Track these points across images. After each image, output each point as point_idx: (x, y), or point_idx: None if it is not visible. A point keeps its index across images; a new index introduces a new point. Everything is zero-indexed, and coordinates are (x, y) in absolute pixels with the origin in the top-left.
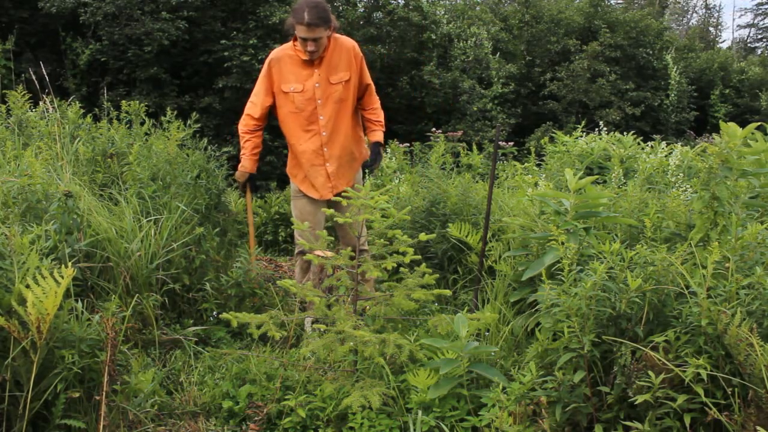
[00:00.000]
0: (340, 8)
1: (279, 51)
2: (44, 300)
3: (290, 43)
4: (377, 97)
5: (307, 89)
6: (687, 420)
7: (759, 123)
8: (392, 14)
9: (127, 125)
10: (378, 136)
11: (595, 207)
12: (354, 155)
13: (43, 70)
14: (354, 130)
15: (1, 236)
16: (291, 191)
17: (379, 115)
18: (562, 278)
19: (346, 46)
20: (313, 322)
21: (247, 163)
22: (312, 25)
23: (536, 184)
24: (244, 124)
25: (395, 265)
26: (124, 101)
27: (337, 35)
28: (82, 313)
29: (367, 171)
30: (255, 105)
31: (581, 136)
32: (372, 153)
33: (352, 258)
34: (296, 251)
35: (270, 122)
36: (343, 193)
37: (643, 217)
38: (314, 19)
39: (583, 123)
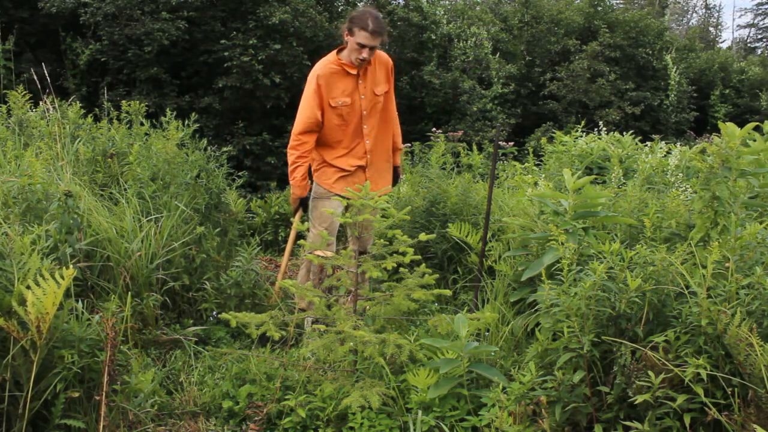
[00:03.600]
0: (340, 8)
1: (323, 67)
2: (44, 300)
3: (332, 57)
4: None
5: (354, 101)
6: (687, 420)
7: (756, 123)
8: (392, 14)
9: (127, 125)
10: (398, 159)
11: (593, 207)
12: (389, 162)
13: (44, 71)
14: (390, 138)
15: (2, 236)
16: (314, 193)
17: (398, 134)
18: (562, 278)
19: (385, 60)
20: (313, 322)
21: (298, 191)
22: (375, 33)
23: (536, 184)
24: (300, 146)
25: (395, 265)
26: (124, 101)
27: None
28: (82, 313)
29: None
30: (310, 121)
31: (581, 136)
32: (393, 175)
33: (353, 258)
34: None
35: (271, 122)
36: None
37: (642, 217)
38: (378, 28)
39: (583, 123)
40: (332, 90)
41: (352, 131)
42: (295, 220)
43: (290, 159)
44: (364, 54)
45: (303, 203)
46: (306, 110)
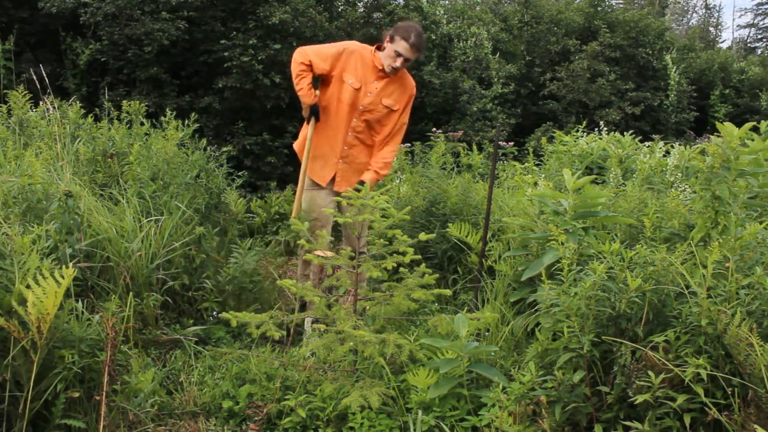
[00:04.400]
0: (340, 8)
1: (358, 46)
2: (44, 300)
3: (372, 48)
4: (397, 146)
5: (362, 90)
6: (687, 420)
7: (754, 123)
8: (392, 14)
9: (127, 125)
10: (367, 176)
11: (593, 207)
12: (365, 168)
13: (42, 71)
14: (371, 153)
15: (2, 236)
16: (300, 183)
17: (385, 160)
18: (562, 278)
19: (409, 84)
20: (313, 322)
21: (308, 99)
22: (415, 48)
23: (536, 184)
24: (298, 63)
25: (395, 265)
26: (124, 101)
27: (405, 70)
28: (83, 313)
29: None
30: (311, 60)
31: (581, 136)
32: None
33: (351, 258)
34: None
35: (271, 122)
36: (343, 193)
37: (642, 217)
38: (419, 44)
39: (584, 123)
40: (350, 66)
41: (346, 115)
42: (309, 130)
43: (293, 75)
44: (398, 63)
45: (314, 111)
46: (317, 52)
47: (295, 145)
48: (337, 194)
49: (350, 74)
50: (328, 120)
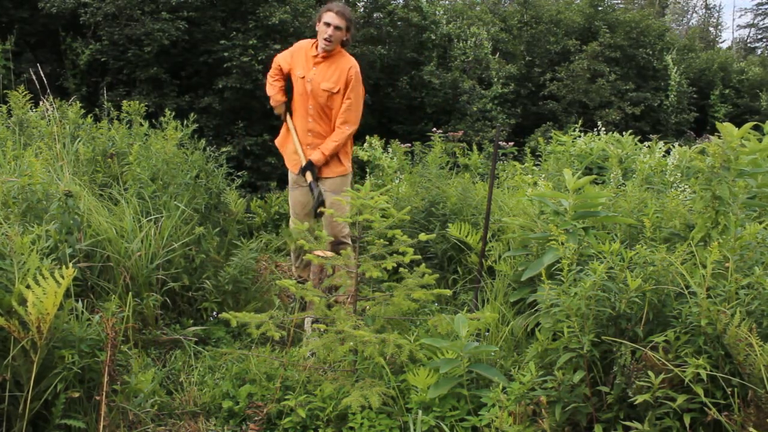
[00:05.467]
0: None
1: (304, 42)
2: (44, 300)
3: (311, 40)
4: (354, 115)
5: (305, 78)
6: (687, 420)
7: (755, 123)
8: (392, 14)
9: (127, 125)
10: (314, 156)
11: (593, 207)
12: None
13: (41, 72)
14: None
15: (2, 236)
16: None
17: (333, 140)
18: (562, 278)
19: (347, 63)
20: (313, 322)
21: (278, 97)
22: (340, 14)
23: (535, 184)
24: (270, 70)
25: (395, 265)
26: (124, 101)
27: (344, 52)
28: (82, 313)
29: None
30: (279, 64)
31: (580, 137)
32: (308, 165)
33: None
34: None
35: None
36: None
37: (642, 217)
38: (343, 10)
39: (581, 122)
40: (296, 62)
41: (304, 104)
42: (289, 123)
43: (267, 83)
44: (329, 32)
45: (287, 108)
46: (283, 54)
47: (276, 141)
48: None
49: (298, 68)
50: (295, 113)
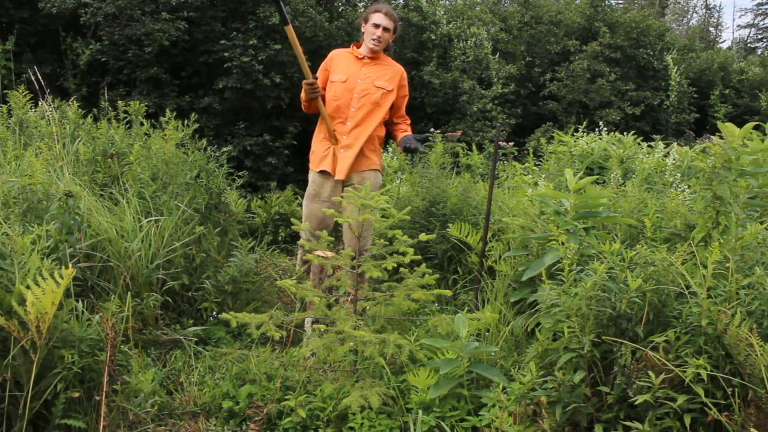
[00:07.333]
0: (341, 8)
1: (338, 49)
2: (43, 300)
3: (344, 49)
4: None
5: (349, 80)
6: (687, 420)
7: (757, 123)
8: None
9: (127, 125)
10: (409, 131)
11: (594, 207)
12: (365, 155)
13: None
14: (374, 136)
15: (2, 236)
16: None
17: (406, 124)
18: (562, 278)
19: (398, 67)
20: (313, 322)
21: (308, 78)
22: (389, 15)
23: (536, 184)
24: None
25: (395, 265)
26: (120, 101)
27: (386, 55)
28: (82, 313)
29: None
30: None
31: (581, 137)
32: (406, 141)
33: (352, 258)
34: (300, 249)
35: (271, 123)
36: (344, 194)
37: (642, 217)
38: (390, 12)
39: (585, 124)
40: (335, 67)
41: (341, 108)
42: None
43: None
44: (379, 33)
45: (313, 89)
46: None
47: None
48: (335, 191)
49: (336, 73)
50: (331, 120)
